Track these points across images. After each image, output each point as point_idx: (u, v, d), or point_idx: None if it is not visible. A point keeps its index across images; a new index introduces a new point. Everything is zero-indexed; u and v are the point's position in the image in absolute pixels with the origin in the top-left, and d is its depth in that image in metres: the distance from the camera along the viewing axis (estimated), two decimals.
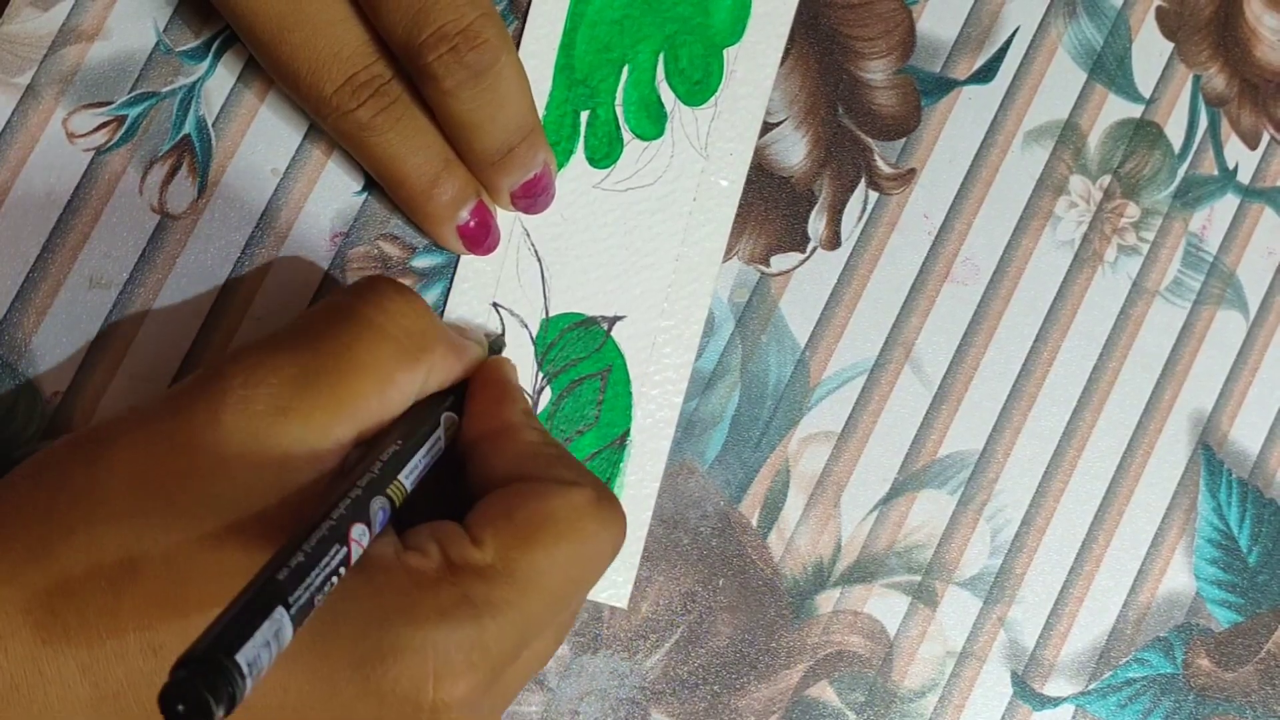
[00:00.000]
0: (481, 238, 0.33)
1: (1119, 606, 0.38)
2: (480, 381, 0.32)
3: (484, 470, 0.30)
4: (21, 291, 0.32)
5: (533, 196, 0.34)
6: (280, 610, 0.23)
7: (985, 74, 0.38)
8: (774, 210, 0.37)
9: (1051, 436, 0.38)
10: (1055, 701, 0.38)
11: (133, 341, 0.33)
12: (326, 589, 0.25)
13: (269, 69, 0.32)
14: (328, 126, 0.32)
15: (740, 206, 0.36)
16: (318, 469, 0.27)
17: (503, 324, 0.35)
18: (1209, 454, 0.39)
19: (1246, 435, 0.39)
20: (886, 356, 0.37)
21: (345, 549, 0.25)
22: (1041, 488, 0.38)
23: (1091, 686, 0.38)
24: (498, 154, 0.32)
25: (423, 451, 0.29)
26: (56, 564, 0.26)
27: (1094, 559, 0.38)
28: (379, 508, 0.27)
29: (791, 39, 0.37)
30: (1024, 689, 0.37)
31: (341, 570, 0.25)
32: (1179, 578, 0.39)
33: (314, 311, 0.30)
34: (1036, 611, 0.38)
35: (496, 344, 0.34)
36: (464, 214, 0.33)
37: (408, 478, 0.28)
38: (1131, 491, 0.38)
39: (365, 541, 0.26)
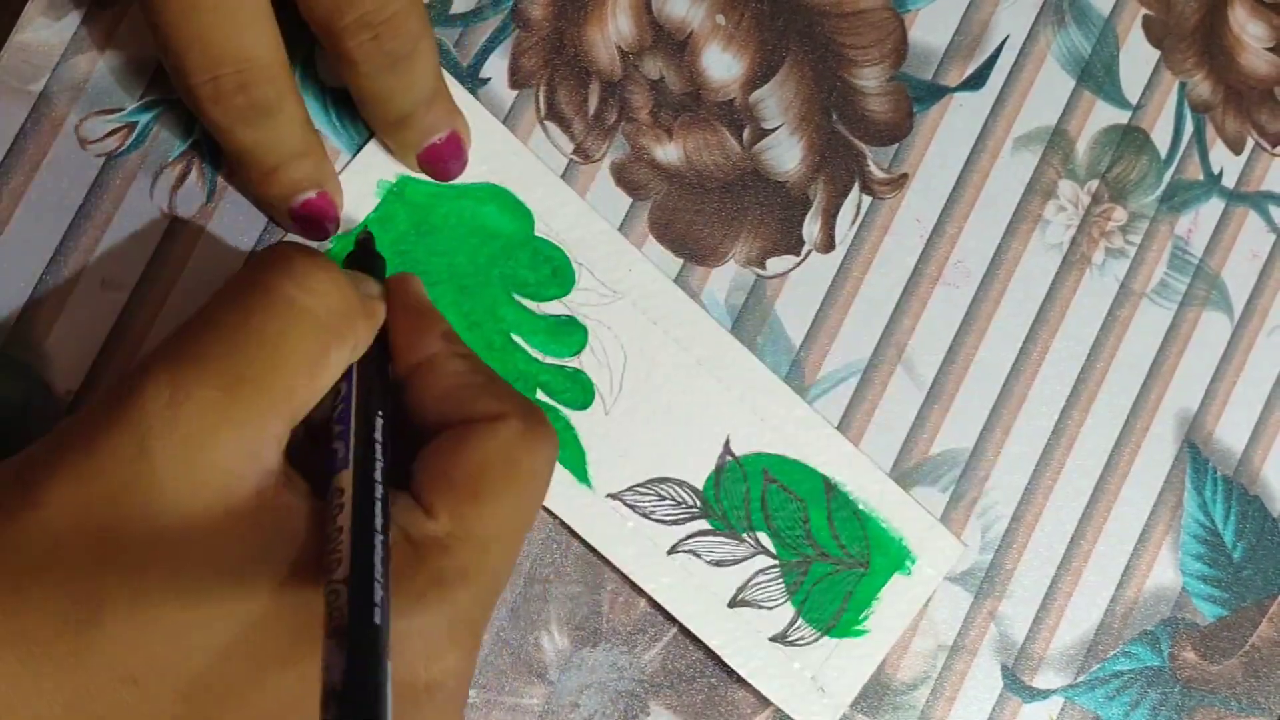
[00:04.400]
0: (312, 225, 0.33)
1: (1106, 601, 0.39)
2: (395, 309, 0.30)
3: (417, 408, 0.29)
4: (35, 293, 0.33)
5: (439, 161, 0.33)
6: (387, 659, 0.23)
7: (976, 81, 0.39)
8: (769, 214, 0.37)
9: (1041, 435, 0.39)
10: (1044, 694, 0.38)
11: (144, 341, 0.33)
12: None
13: (150, 38, 0.30)
14: (186, 104, 0.31)
15: (736, 211, 0.37)
16: (258, 469, 0.26)
17: (363, 226, 0.34)
18: (1194, 452, 0.40)
19: (1231, 434, 0.40)
20: (879, 357, 0.38)
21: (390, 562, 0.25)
22: (1031, 485, 0.38)
23: (1080, 679, 0.39)
24: (400, 119, 0.32)
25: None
26: (14, 612, 0.25)
27: (1082, 555, 0.39)
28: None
29: (786, 47, 0.37)
30: (1014, 681, 0.38)
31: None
32: (1165, 573, 0.39)
33: (226, 299, 0.28)
34: (1026, 606, 0.38)
35: (368, 241, 0.33)
36: (297, 200, 0.32)
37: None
38: (1119, 489, 0.39)
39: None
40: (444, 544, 0.27)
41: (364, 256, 0.33)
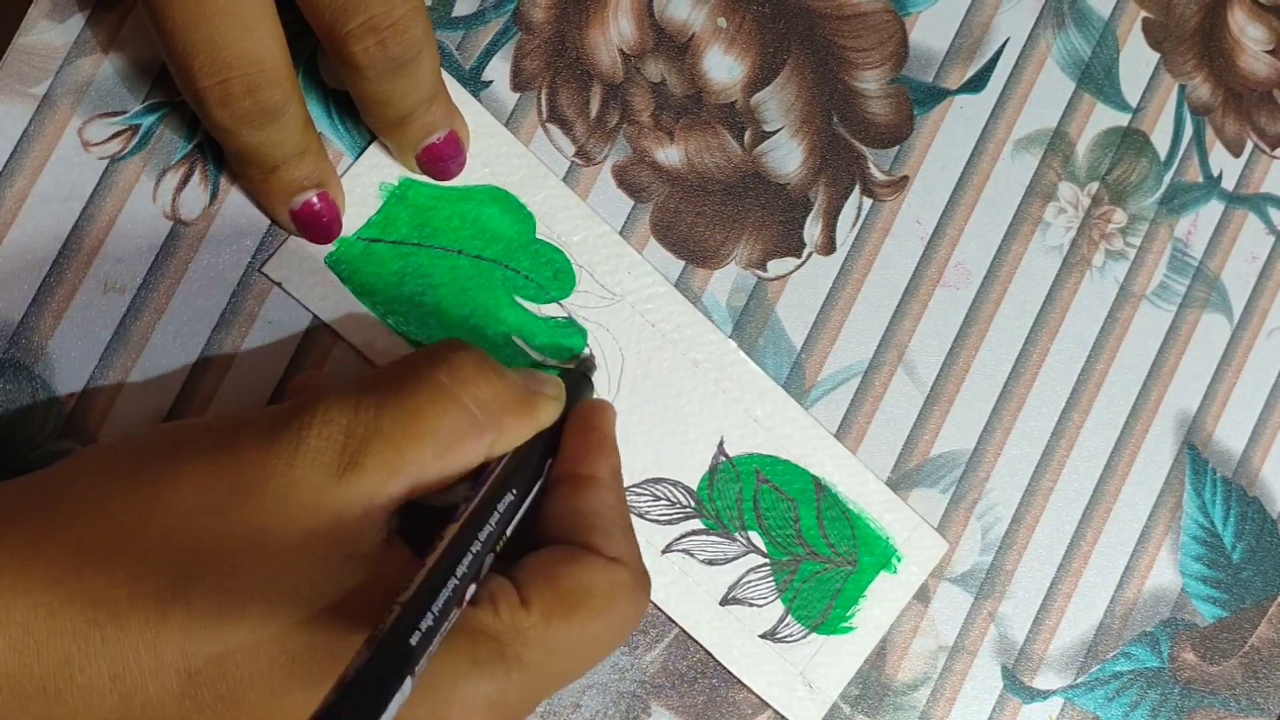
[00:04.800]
0: (314, 225, 0.33)
1: (1106, 602, 0.39)
2: (579, 424, 0.32)
3: (554, 509, 0.31)
4: (38, 296, 0.33)
5: (438, 161, 0.34)
6: (409, 680, 0.23)
7: (976, 83, 0.39)
8: (770, 216, 0.37)
9: (1041, 436, 0.39)
10: (1044, 694, 0.38)
11: (146, 344, 0.33)
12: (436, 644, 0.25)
13: (154, 40, 0.30)
14: (191, 106, 0.31)
15: (737, 213, 0.37)
16: (367, 523, 0.28)
17: (589, 350, 0.35)
18: (1194, 453, 0.40)
19: (1230, 435, 0.40)
20: (880, 358, 0.38)
21: (460, 609, 0.26)
22: (1031, 486, 0.39)
23: (1079, 680, 0.39)
24: (400, 119, 0.33)
25: (527, 503, 0.30)
26: (105, 576, 0.26)
27: (1082, 556, 0.39)
28: (488, 561, 0.28)
29: (787, 50, 0.37)
30: (1014, 682, 0.38)
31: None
32: (1165, 574, 0.39)
33: (390, 370, 0.30)
34: (1026, 607, 0.38)
35: (586, 366, 0.35)
36: (298, 201, 0.33)
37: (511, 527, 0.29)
38: (1118, 490, 0.39)
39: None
40: (524, 634, 0.28)
41: (577, 375, 0.34)
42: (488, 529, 0.28)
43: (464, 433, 0.29)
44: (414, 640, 0.24)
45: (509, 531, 0.29)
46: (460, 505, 0.28)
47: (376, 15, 0.29)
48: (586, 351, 0.35)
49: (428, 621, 0.24)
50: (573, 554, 0.30)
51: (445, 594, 0.25)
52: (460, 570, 0.26)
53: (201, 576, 0.26)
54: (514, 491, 0.29)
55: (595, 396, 0.35)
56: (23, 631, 0.25)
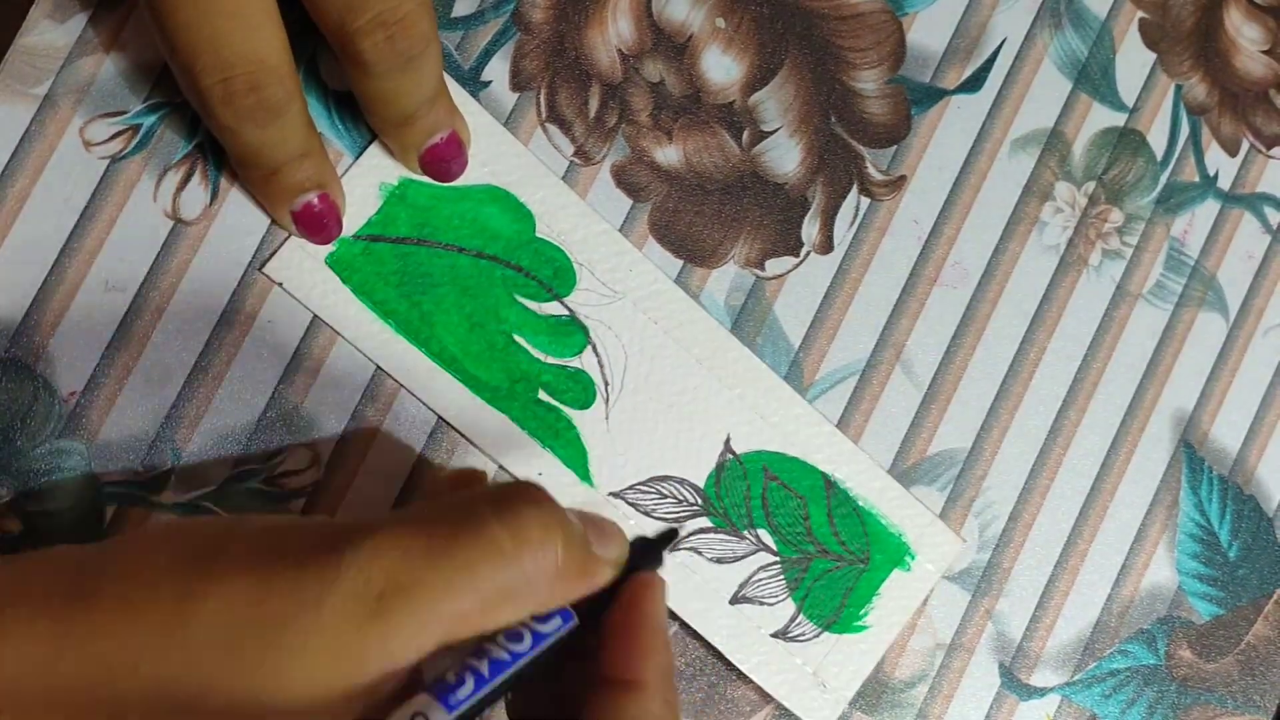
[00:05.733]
0: (314, 226, 0.33)
1: (1103, 600, 0.39)
2: (625, 613, 0.29)
3: (597, 714, 0.28)
4: (39, 295, 0.33)
5: (440, 161, 0.34)
6: None
7: (974, 83, 0.39)
8: (769, 216, 0.37)
9: (1038, 435, 0.39)
10: (1041, 692, 0.38)
11: (147, 343, 0.34)
12: None
13: (156, 40, 0.30)
14: (194, 105, 0.31)
15: (736, 212, 0.37)
16: (389, 676, 0.26)
17: (675, 530, 0.32)
18: (1190, 452, 0.40)
19: (1227, 434, 0.40)
20: (878, 357, 0.38)
21: None
22: (1028, 485, 0.39)
23: (1076, 677, 0.39)
24: (403, 119, 0.33)
25: (528, 658, 0.28)
26: (115, 704, 0.25)
27: (1079, 554, 0.39)
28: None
29: (785, 50, 0.38)
30: (1011, 680, 0.38)
31: None
32: (1161, 572, 0.40)
33: (449, 511, 0.28)
34: (1023, 605, 0.38)
35: (662, 539, 0.31)
36: (299, 201, 0.33)
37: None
38: (1115, 488, 0.39)
39: None
40: None
41: (653, 545, 0.31)
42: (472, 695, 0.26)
43: (512, 596, 0.27)
44: None
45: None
46: (466, 674, 0.27)
47: (384, 10, 0.30)
48: (675, 529, 0.32)
49: None
50: None
51: None
52: None
53: (209, 709, 0.25)
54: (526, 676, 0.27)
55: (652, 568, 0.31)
56: None
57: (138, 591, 0.26)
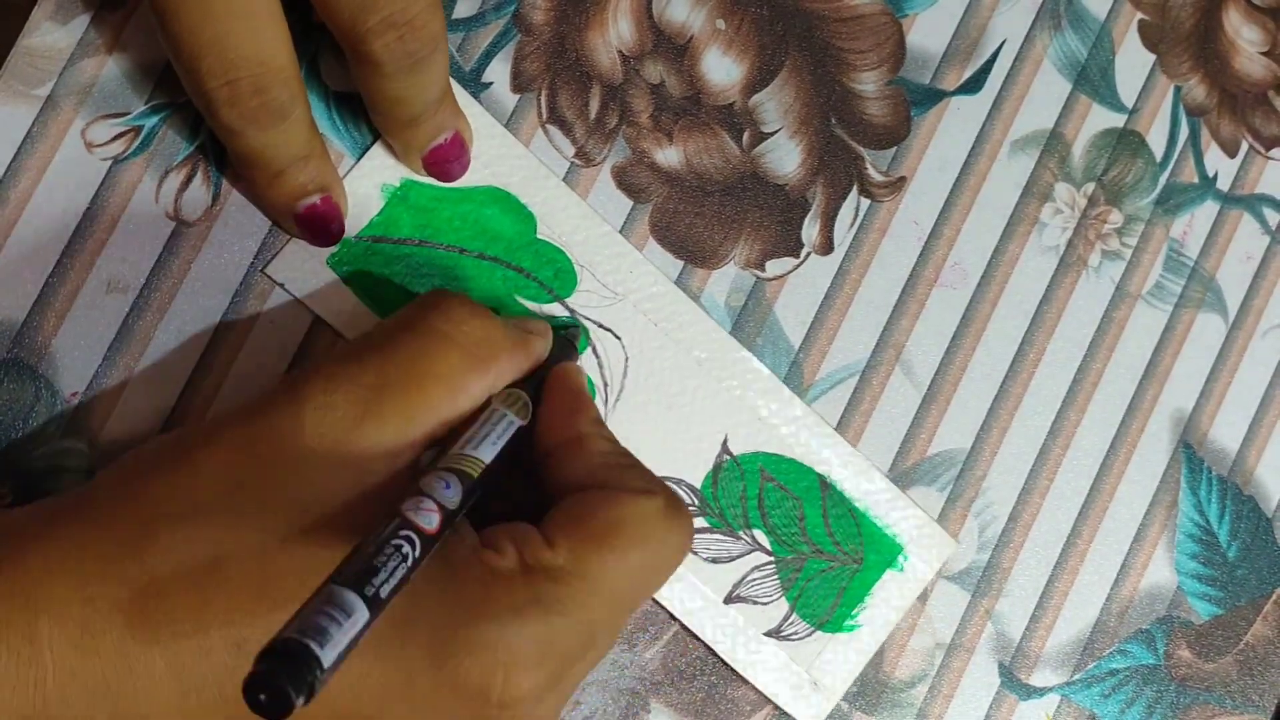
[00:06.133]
0: (317, 228, 0.34)
1: (1102, 600, 0.39)
2: (552, 390, 0.32)
3: (557, 478, 0.31)
4: (41, 296, 0.33)
5: (443, 162, 0.34)
6: (356, 601, 0.24)
7: (973, 85, 0.39)
8: (769, 217, 0.38)
9: (1037, 435, 0.39)
10: (1041, 691, 0.39)
11: (149, 344, 0.34)
12: (398, 574, 0.25)
13: (161, 41, 0.31)
14: (198, 106, 0.31)
15: (736, 213, 0.37)
16: (392, 467, 0.29)
17: (577, 323, 0.35)
18: (1189, 452, 0.40)
19: (1226, 434, 0.40)
20: (878, 358, 0.38)
21: (409, 532, 0.26)
22: (1027, 485, 0.39)
23: (1076, 677, 0.39)
24: (410, 120, 0.33)
25: (485, 423, 0.30)
26: (146, 562, 0.26)
27: (1078, 554, 0.39)
28: (440, 482, 0.27)
29: (785, 52, 0.38)
30: (1011, 679, 0.38)
31: (412, 555, 0.26)
32: (1161, 572, 0.40)
33: (386, 325, 0.30)
34: (1023, 604, 0.39)
35: (570, 334, 0.35)
36: (302, 204, 0.33)
37: (475, 450, 0.29)
38: (1115, 488, 0.39)
39: (429, 520, 0.26)
40: (554, 573, 0.28)
41: (561, 338, 0.34)
42: (452, 477, 0.28)
43: (466, 370, 0.30)
44: (356, 566, 0.24)
45: (482, 455, 0.29)
46: (432, 451, 0.29)
47: (395, 11, 0.30)
48: (577, 323, 0.35)
49: (368, 549, 0.25)
50: (597, 494, 0.30)
51: (387, 523, 0.26)
52: (419, 505, 0.26)
53: (234, 551, 0.27)
54: (479, 444, 0.29)
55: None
56: (79, 627, 0.26)
57: (135, 481, 0.28)
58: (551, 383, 0.32)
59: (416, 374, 0.29)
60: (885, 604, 0.37)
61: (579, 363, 0.35)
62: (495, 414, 0.30)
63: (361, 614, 0.24)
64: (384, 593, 0.25)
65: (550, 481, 0.31)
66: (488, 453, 0.29)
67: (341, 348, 0.30)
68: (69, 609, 0.26)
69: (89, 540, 0.27)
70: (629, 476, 0.30)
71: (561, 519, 0.29)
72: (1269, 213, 0.41)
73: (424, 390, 0.29)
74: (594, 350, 0.36)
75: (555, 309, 0.36)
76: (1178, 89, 0.40)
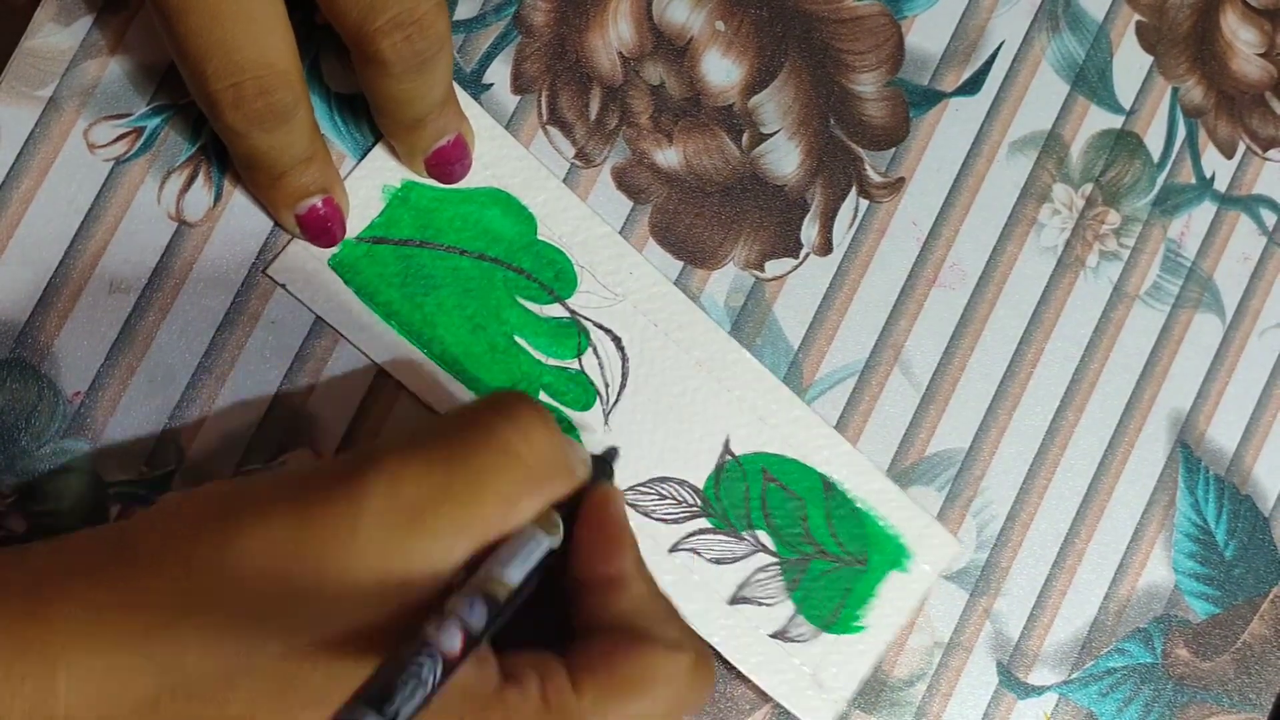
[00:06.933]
0: (318, 230, 0.34)
1: (1100, 599, 0.39)
2: (592, 520, 0.31)
3: (590, 613, 0.30)
4: (44, 296, 0.33)
5: (445, 164, 0.34)
6: None
7: (972, 86, 0.39)
8: (768, 218, 0.38)
9: (1035, 435, 0.39)
10: (1039, 690, 0.39)
11: (151, 344, 0.34)
12: (418, 697, 0.24)
13: (166, 43, 0.31)
14: (202, 108, 0.31)
15: (735, 214, 0.37)
16: (434, 584, 0.27)
17: (615, 448, 0.35)
18: (1187, 452, 0.40)
19: (1223, 434, 0.40)
20: (876, 358, 0.38)
21: (432, 655, 0.25)
22: (1026, 484, 0.39)
23: (1074, 676, 0.39)
24: (415, 122, 0.33)
25: (518, 543, 0.29)
26: (172, 648, 0.26)
27: (1076, 553, 0.39)
28: (467, 604, 0.26)
29: (784, 53, 0.38)
30: (1009, 678, 0.39)
31: (433, 678, 0.25)
32: (1158, 571, 0.40)
33: (454, 423, 0.29)
34: (1021, 604, 0.39)
35: (610, 454, 0.34)
36: (303, 206, 0.33)
37: (505, 570, 0.28)
38: (1112, 488, 0.40)
39: (452, 643, 0.25)
40: (575, 718, 0.28)
41: (602, 461, 0.33)
42: (483, 610, 0.27)
43: (525, 490, 0.29)
44: (372, 691, 0.24)
45: (511, 578, 0.28)
46: (461, 574, 0.28)
47: (402, 11, 0.30)
48: (612, 448, 0.35)
49: (386, 672, 0.24)
50: (630, 638, 0.29)
51: (417, 645, 0.25)
52: (443, 627, 0.25)
53: (262, 655, 0.26)
54: (524, 590, 0.28)
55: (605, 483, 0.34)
56: (98, 691, 0.26)
57: (179, 543, 0.27)
58: (592, 509, 0.31)
59: (478, 488, 0.28)
60: (890, 605, 0.37)
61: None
62: (529, 534, 0.29)
63: None
64: (402, 715, 0.24)
65: (582, 612, 0.30)
66: (517, 575, 0.28)
67: (405, 440, 0.29)
68: (91, 676, 0.26)
69: (117, 607, 0.26)
70: (663, 628, 0.29)
71: (590, 659, 0.29)
72: (1266, 213, 0.41)
73: (482, 506, 0.28)
74: (594, 351, 0.36)
75: (555, 310, 0.36)
76: (1175, 90, 0.40)
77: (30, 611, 0.26)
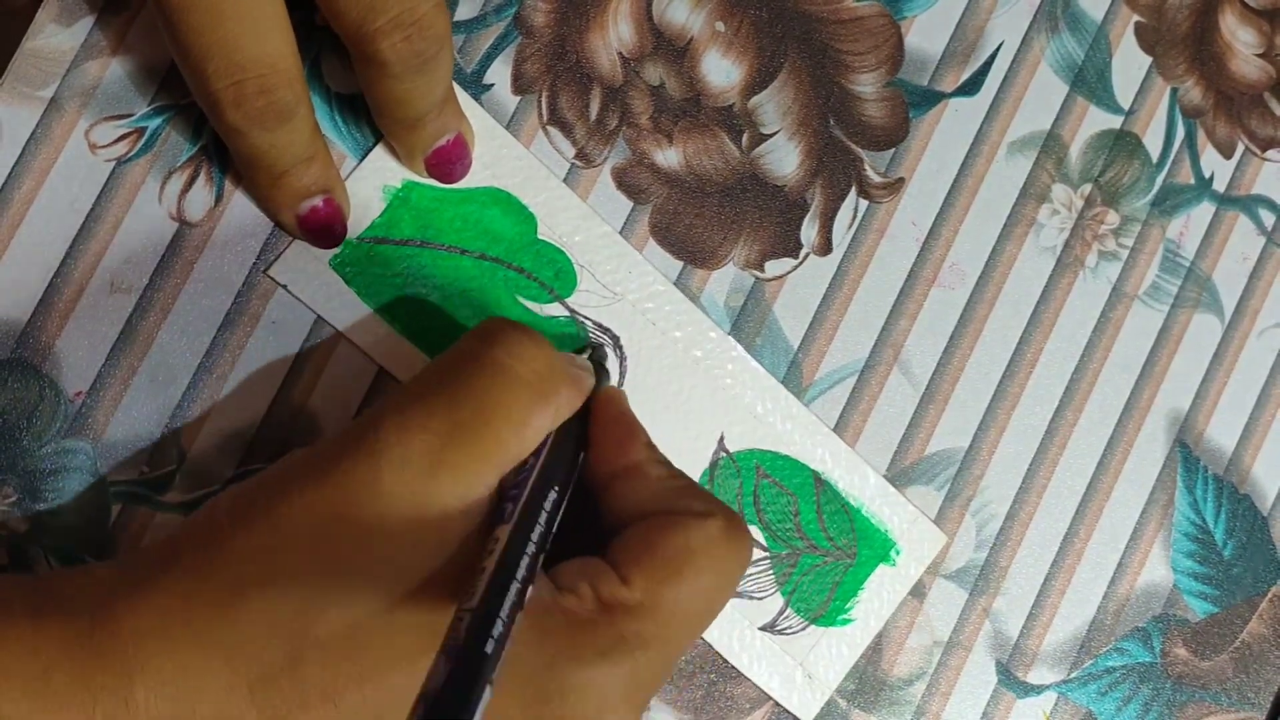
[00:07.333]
0: (319, 230, 0.34)
1: (1099, 598, 0.39)
2: (602, 420, 0.32)
3: (618, 507, 0.31)
4: (45, 296, 0.33)
5: (445, 164, 0.34)
6: (488, 687, 0.24)
7: (971, 87, 0.39)
8: (768, 218, 0.38)
9: (1034, 435, 0.39)
10: (1038, 689, 0.39)
11: (153, 344, 0.34)
12: (501, 629, 0.25)
13: (167, 43, 0.31)
14: (203, 107, 0.32)
15: (735, 214, 0.37)
16: (470, 519, 0.28)
17: (590, 334, 0.35)
18: (1185, 451, 0.40)
19: (1221, 433, 0.41)
20: (876, 358, 0.38)
21: (522, 610, 0.26)
22: (1025, 484, 0.39)
23: (1073, 675, 0.39)
24: (415, 122, 0.33)
25: (567, 496, 0.30)
26: (238, 626, 0.27)
27: (1075, 552, 0.39)
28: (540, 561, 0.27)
29: (784, 53, 0.38)
30: (1008, 677, 0.39)
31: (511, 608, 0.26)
32: (1157, 570, 0.40)
33: (446, 361, 0.30)
34: (1020, 603, 0.39)
35: (599, 354, 0.35)
36: (304, 206, 0.33)
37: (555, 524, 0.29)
38: (1111, 488, 0.40)
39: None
40: (634, 610, 0.28)
41: (593, 362, 0.34)
42: (538, 529, 0.28)
43: (532, 407, 0.29)
44: (489, 648, 0.24)
45: (554, 528, 0.29)
46: (507, 505, 0.28)
47: (403, 12, 0.30)
48: (594, 339, 0.35)
49: (499, 628, 0.25)
50: (662, 521, 0.30)
51: (511, 599, 0.25)
52: (521, 573, 0.26)
53: (327, 621, 0.27)
54: (556, 489, 0.29)
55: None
56: (175, 691, 0.26)
57: (222, 544, 0.28)
58: (599, 411, 0.32)
59: (485, 415, 0.28)
60: (877, 598, 0.37)
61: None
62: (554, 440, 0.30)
63: (489, 692, 0.24)
64: (492, 650, 0.24)
65: (611, 510, 0.31)
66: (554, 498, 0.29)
67: (404, 389, 0.29)
68: (164, 674, 0.26)
69: (177, 603, 0.27)
70: (689, 500, 0.30)
71: (630, 550, 0.29)
72: (1265, 214, 0.41)
73: (495, 431, 0.28)
74: (599, 338, 0.36)
75: (555, 309, 0.36)
76: (1174, 91, 0.41)
77: (102, 624, 0.27)
